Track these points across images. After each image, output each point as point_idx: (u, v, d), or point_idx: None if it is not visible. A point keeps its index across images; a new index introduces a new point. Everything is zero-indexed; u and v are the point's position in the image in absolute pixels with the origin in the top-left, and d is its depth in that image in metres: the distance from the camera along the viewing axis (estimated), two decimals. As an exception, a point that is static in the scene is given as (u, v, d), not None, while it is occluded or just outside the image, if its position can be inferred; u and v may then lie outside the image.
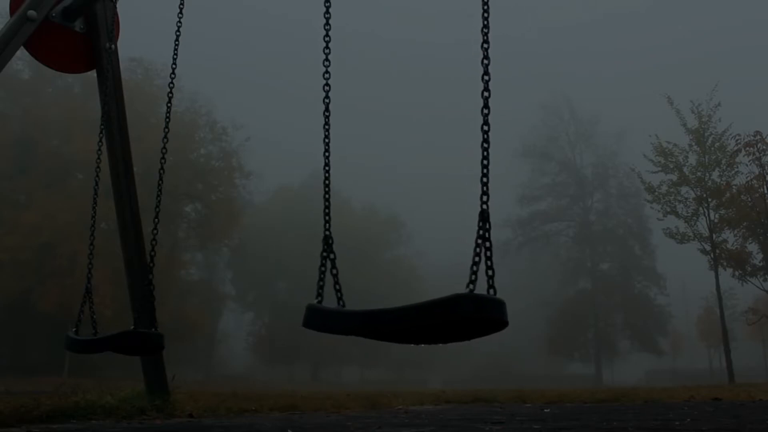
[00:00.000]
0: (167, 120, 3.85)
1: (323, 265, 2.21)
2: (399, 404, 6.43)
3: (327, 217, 2.33)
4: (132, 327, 3.84)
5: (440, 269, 58.11)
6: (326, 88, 2.49)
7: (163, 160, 3.72)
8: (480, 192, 1.89)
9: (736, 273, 22.61)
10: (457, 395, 8.23)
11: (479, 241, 1.84)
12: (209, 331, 41.00)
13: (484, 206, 1.87)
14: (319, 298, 2.16)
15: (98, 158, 4.20)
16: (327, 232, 2.27)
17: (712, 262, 22.51)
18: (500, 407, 5.92)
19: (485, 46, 2.04)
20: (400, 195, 63.78)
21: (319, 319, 2.09)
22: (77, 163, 29.75)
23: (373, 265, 50.51)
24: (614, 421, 3.71)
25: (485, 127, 1.97)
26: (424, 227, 60.43)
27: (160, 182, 3.77)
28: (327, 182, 2.42)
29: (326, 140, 2.46)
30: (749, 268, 22.56)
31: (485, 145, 1.96)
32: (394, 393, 9.35)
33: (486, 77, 2.01)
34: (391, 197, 59.67)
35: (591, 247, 50.24)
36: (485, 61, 2.03)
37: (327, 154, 2.46)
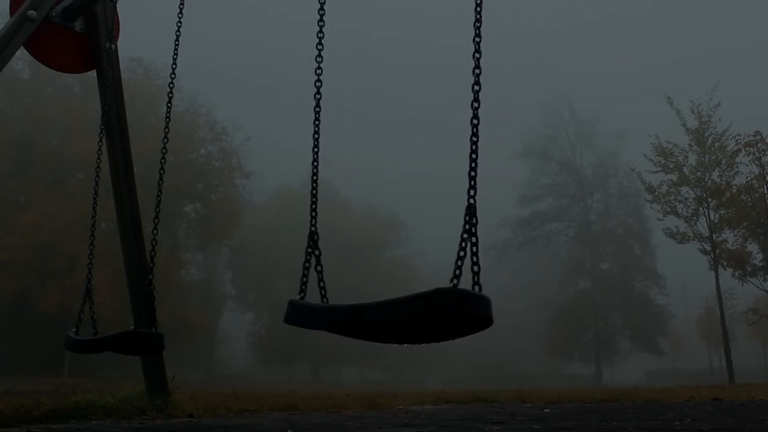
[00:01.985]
0: (167, 120, 3.85)
1: (307, 261, 2.18)
2: (399, 404, 6.42)
3: (313, 213, 2.29)
4: (132, 327, 3.84)
5: (439, 269, 58.03)
6: (318, 83, 2.49)
7: (163, 160, 3.72)
8: (467, 186, 1.86)
9: (736, 273, 22.61)
10: (456, 395, 8.23)
11: (465, 235, 1.80)
12: (209, 331, 40.98)
13: (471, 200, 1.83)
14: (302, 294, 2.13)
15: (98, 158, 4.20)
16: (313, 228, 2.24)
17: (712, 262, 22.51)
18: (500, 407, 5.92)
19: (477, 39, 2.03)
20: (400, 195, 63.84)
21: (301, 314, 2.05)
22: (77, 163, 29.75)
23: (373, 264, 50.54)
24: (614, 421, 3.71)
25: (474, 121, 1.94)
26: (424, 227, 60.45)
27: (160, 182, 3.77)
28: (315, 178, 2.39)
29: (316, 136, 2.45)
30: (749, 268, 22.57)
31: (474, 138, 1.92)
32: (394, 393, 9.34)
33: (477, 71, 1.98)
34: (391, 197, 59.72)
35: (591, 247, 50.25)
36: (476, 55, 2.01)
37: (316, 150, 2.44)
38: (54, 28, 4.48)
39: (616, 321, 48.32)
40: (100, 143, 4.29)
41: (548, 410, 5.30)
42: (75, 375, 21.15)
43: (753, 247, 22.87)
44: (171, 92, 3.97)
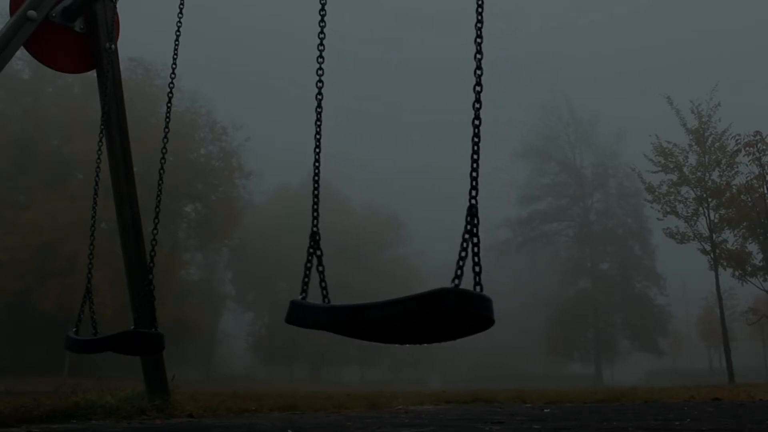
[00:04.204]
0: (167, 120, 3.85)
1: (309, 261, 2.18)
2: (399, 404, 6.42)
3: (315, 213, 2.28)
4: (132, 327, 3.84)
5: (439, 269, 58.10)
6: (319, 84, 2.48)
7: (163, 160, 3.72)
8: (469, 187, 1.86)
9: (736, 273, 22.61)
10: (456, 395, 8.23)
11: (466, 236, 1.80)
12: (209, 331, 40.99)
13: (473, 201, 1.84)
14: (304, 295, 2.12)
15: (98, 158, 4.19)
16: (315, 228, 2.23)
17: (712, 262, 22.50)
18: (500, 407, 5.92)
19: (478, 41, 2.04)
20: (399, 195, 63.82)
21: (302, 314, 2.05)
22: (77, 163, 29.76)
23: (372, 264, 50.52)
24: (614, 421, 3.71)
25: (476, 122, 1.95)
26: (423, 227, 60.45)
27: (160, 182, 3.77)
28: (317, 178, 2.40)
29: (317, 137, 2.46)
30: (749, 268, 22.56)
31: (476, 139, 1.93)
32: (394, 393, 9.35)
33: (478, 71, 1.99)
34: (390, 197, 59.72)
35: (591, 247, 50.23)
36: (478, 56, 2.02)
37: (318, 150, 2.45)
38: (54, 28, 4.48)
39: (616, 321, 48.30)
40: (100, 143, 4.29)
41: (548, 410, 5.30)
42: (75, 375, 21.13)
43: (753, 247, 22.87)
44: (171, 92, 3.97)
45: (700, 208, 22.78)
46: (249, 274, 49.36)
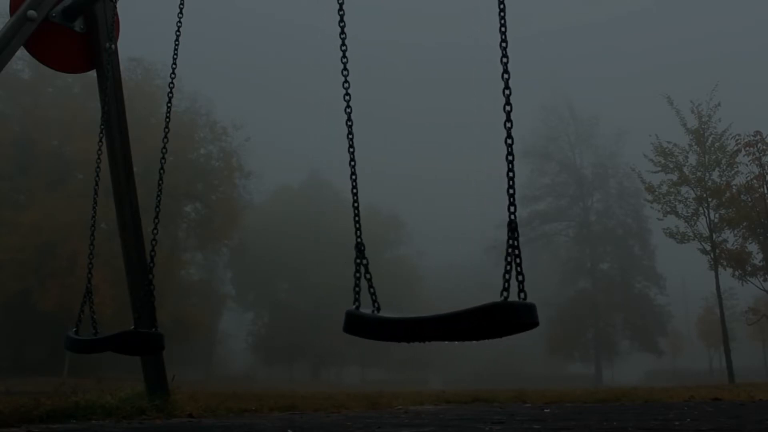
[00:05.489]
0: (167, 120, 3.84)
1: (358, 271, 2.27)
2: (399, 404, 6.42)
3: (357, 225, 2.40)
4: (132, 327, 3.84)
5: (440, 269, 58.16)
6: (347, 97, 2.49)
7: (163, 160, 3.71)
8: (507, 203, 1.99)
9: (736, 273, 22.58)
10: (457, 395, 8.23)
11: (509, 250, 1.93)
12: (209, 331, 40.96)
13: (512, 217, 1.97)
14: (357, 304, 2.23)
15: (98, 158, 4.19)
16: (359, 239, 2.33)
17: (712, 262, 22.49)
18: (500, 407, 5.92)
19: (504, 60, 2.09)
20: (400, 195, 63.80)
21: (360, 325, 2.18)
22: (77, 163, 29.76)
23: (374, 265, 50.29)
24: (614, 421, 3.71)
25: (509, 140, 2.01)
26: (424, 227, 60.41)
27: (160, 182, 3.77)
28: (355, 191, 2.43)
29: (351, 149, 2.46)
30: (749, 268, 22.54)
31: (510, 158, 2.04)
32: (394, 393, 9.35)
33: (507, 91, 2.07)
34: (391, 197, 59.68)
35: (591, 247, 50.19)
36: (505, 75, 2.09)
37: (353, 163, 2.46)
38: (54, 28, 4.48)
39: (616, 321, 48.27)
40: (100, 143, 4.29)
41: (548, 410, 5.29)
42: (75, 375, 21.11)
43: (753, 247, 22.84)
44: (171, 92, 3.96)
45: (700, 208, 22.77)
46: (249, 274, 49.32)
